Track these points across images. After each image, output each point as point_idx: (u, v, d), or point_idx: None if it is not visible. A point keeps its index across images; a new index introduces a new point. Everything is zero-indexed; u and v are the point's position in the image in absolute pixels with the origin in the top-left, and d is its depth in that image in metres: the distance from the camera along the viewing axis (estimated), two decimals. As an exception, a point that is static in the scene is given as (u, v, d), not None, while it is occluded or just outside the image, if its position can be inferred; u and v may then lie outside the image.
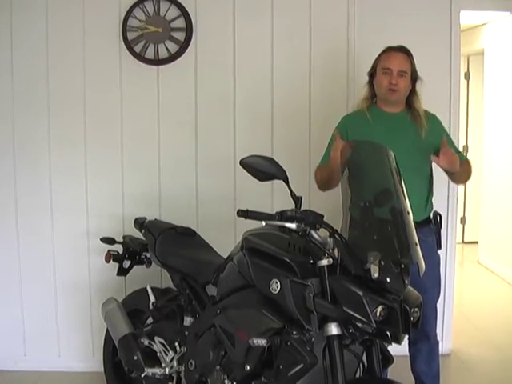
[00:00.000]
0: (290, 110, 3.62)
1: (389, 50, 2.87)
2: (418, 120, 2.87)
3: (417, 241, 2.11)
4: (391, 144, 2.74)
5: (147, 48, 3.54)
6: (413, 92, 2.89)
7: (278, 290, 2.16)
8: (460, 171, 2.84)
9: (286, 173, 2.21)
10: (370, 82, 2.92)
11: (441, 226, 2.94)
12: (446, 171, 2.87)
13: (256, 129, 3.63)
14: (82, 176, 3.61)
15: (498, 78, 5.83)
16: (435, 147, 2.81)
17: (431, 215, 2.93)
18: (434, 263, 2.88)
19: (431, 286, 2.85)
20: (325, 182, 2.90)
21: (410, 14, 3.63)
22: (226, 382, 2.34)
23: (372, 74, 2.90)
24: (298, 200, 2.24)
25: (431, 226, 2.91)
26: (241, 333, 2.26)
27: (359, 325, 2.03)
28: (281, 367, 2.12)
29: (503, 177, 5.78)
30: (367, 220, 2.18)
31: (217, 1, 3.60)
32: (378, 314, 1.99)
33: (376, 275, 2.00)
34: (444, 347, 3.63)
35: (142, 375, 2.80)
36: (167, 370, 2.77)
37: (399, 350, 2.67)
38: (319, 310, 2.06)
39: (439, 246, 2.93)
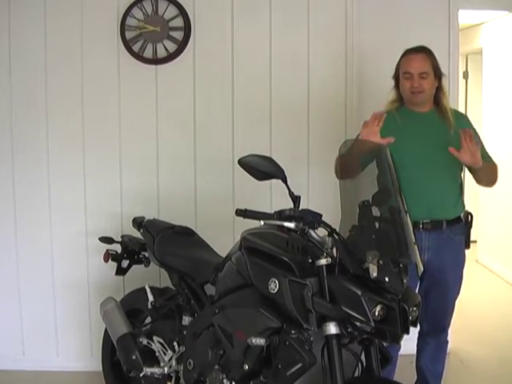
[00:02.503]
0: (289, 109, 3.62)
1: (408, 52, 2.82)
2: (445, 117, 2.84)
3: (415, 240, 2.11)
4: (422, 143, 2.75)
5: (145, 47, 3.53)
6: (439, 89, 2.85)
7: (276, 290, 2.16)
8: (482, 171, 2.84)
9: (284, 172, 2.21)
10: (396, 86, 2.87)
11: (471, 226, 2.92)
12: (470, 169, 2.86)
13: (254, 128, 3.63)
14: (80, 175, 3.60)
15: (497, 76, 5.82)
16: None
17: (462, 214, 2.90)
18: (459, 261, 2.89)
19: (454, 282, 2.88)
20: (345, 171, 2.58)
21: (409, 13, 3.62)
22: (224, 381, 2.34)
23: (397, 78, 2.85)
24: (296, 199, 2.23)
25: (461, 224, 2.88)
26: (239, 332, 2.26)
27: (358, 324, 2.03)
28: (279, 366, 2.12)
29: (502, 175, 5.75)
30: (366, 219, 2.18)
31: (215, 0, 3.60)
32: (376, 314, 1.99)
33: (374, 274, 2.00)
34: (443, 346, 3.64)
35: (141, 375, 2.80)
36: (166, 369, 2.76)
37: (401, 348, 2.68)
38: (318, 310, 2.06)
39: (468, 246, 2.91)
